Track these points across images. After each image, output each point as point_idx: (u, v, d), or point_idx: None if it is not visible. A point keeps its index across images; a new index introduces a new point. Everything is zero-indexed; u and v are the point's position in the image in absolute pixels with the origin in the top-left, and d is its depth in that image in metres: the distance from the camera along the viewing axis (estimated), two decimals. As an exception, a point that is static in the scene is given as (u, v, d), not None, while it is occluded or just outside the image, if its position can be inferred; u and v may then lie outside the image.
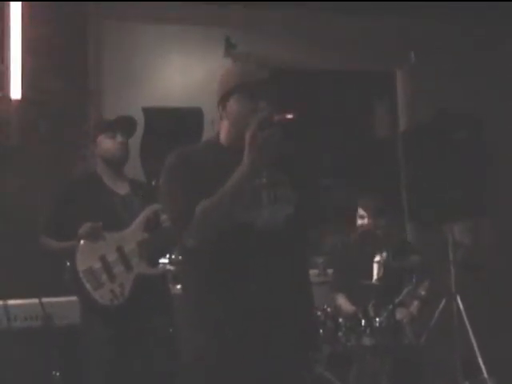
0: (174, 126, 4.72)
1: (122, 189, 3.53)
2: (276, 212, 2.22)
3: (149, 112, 4.54)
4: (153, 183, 4.02)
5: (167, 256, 4.09)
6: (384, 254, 4.36)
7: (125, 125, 3.45)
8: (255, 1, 4.94)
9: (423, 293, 4.26)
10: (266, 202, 2.23)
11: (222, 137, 2.29)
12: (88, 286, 3.26)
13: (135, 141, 3.81)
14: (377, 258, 4.35)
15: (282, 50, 5.23)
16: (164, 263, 3.92)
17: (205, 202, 2.09)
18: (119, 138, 3.45)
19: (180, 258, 4.07)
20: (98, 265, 3.31)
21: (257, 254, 2.20)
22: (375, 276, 4.29)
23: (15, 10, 4.46)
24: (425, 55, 5.54)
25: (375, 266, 4.32)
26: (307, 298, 2.34)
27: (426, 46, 5.55)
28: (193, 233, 2.11)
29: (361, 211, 4.46)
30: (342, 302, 4.34)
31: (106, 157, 3.50)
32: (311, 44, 5.27)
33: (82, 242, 3.29)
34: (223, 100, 2.24)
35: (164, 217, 3.31)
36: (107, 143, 3.47)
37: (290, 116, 2.04)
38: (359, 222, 4.47)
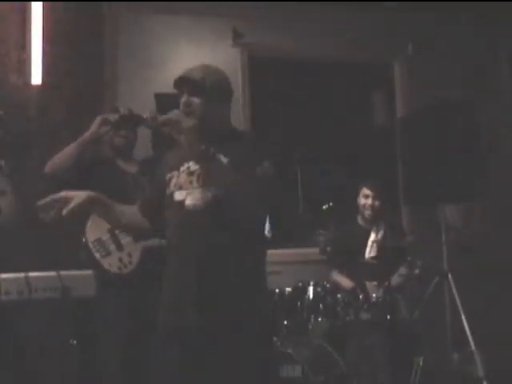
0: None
1: (132, 168, 3.60)
2: (202, 193, 2.26)
3: (160, 98, 4.44)
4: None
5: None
6: (380, 234, 4.43)
7: (128, 122, 3.42)
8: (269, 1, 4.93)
9: (417, 271, 4.24)
10: (195, 184, 2.31)
11: None
12: (97, 255, 3.32)
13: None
14: (373, 238, 4.42)
15: (287, 40, 5.22)
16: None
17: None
18: (122, 132, 3.54)
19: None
20: (106, 236, 3.37)
21: (188, 232, 2.27)
22: (372, 254, 4.37)
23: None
24: (422, 47, 5.59)
25: (372, 245, 4.39)
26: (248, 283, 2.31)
27: (423, 38, 5.57)
28: None
29: (366, 191, 4.54)
30: (342, 278, 4.36)
31: (111, 145, 3.62)
32: (313, 34, 5.26)
33: (91, 217, 3.34)
34: None
35: None
36: (112, 134, 3.56)
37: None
38: (362, 201, 4.54)
